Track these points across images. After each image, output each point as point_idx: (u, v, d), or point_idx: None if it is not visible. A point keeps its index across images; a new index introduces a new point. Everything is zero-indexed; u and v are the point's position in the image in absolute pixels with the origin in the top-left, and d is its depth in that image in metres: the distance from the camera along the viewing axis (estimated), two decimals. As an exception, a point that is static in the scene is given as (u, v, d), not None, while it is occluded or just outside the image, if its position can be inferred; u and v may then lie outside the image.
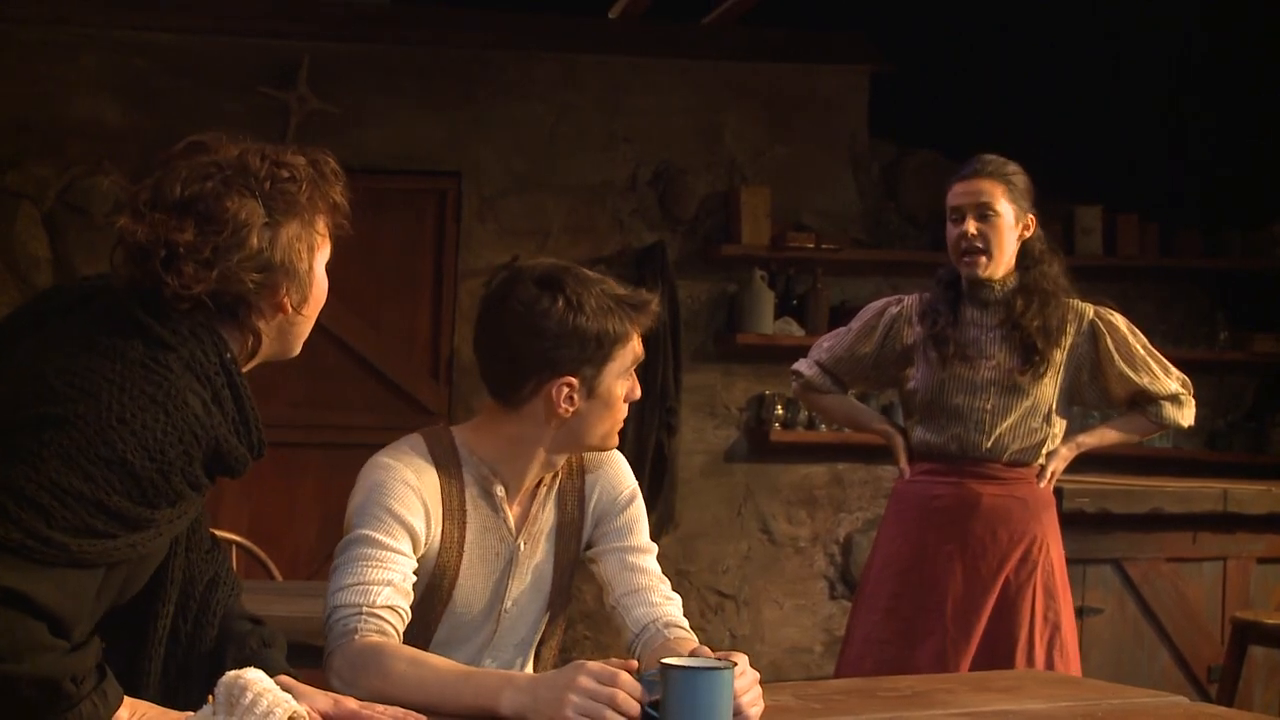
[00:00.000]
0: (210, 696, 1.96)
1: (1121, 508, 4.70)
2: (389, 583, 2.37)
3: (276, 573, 4.48)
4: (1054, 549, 3.89)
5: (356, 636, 2.32)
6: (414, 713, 2.11)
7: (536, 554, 2.60)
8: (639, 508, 2.67)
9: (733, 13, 6.48)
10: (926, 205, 6.66)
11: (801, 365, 4.14)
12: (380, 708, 2.10)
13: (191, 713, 1.98)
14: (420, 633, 2.52)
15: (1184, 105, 6.79)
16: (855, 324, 4.05)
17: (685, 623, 2.60)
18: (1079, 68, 6.68)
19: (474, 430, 2.56)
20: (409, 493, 2.45)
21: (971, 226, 3.79)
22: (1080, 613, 4.66)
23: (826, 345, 4.10)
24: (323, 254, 2.16)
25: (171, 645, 2.18)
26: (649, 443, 6.34)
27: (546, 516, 2.60)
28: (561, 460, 2.59)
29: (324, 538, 6.33)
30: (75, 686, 1.90)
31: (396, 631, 2.36)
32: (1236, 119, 6.76)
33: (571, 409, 2.49)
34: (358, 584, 2.37)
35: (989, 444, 3.84)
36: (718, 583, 6.67)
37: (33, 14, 6.02)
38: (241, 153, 2.09)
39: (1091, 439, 3.99)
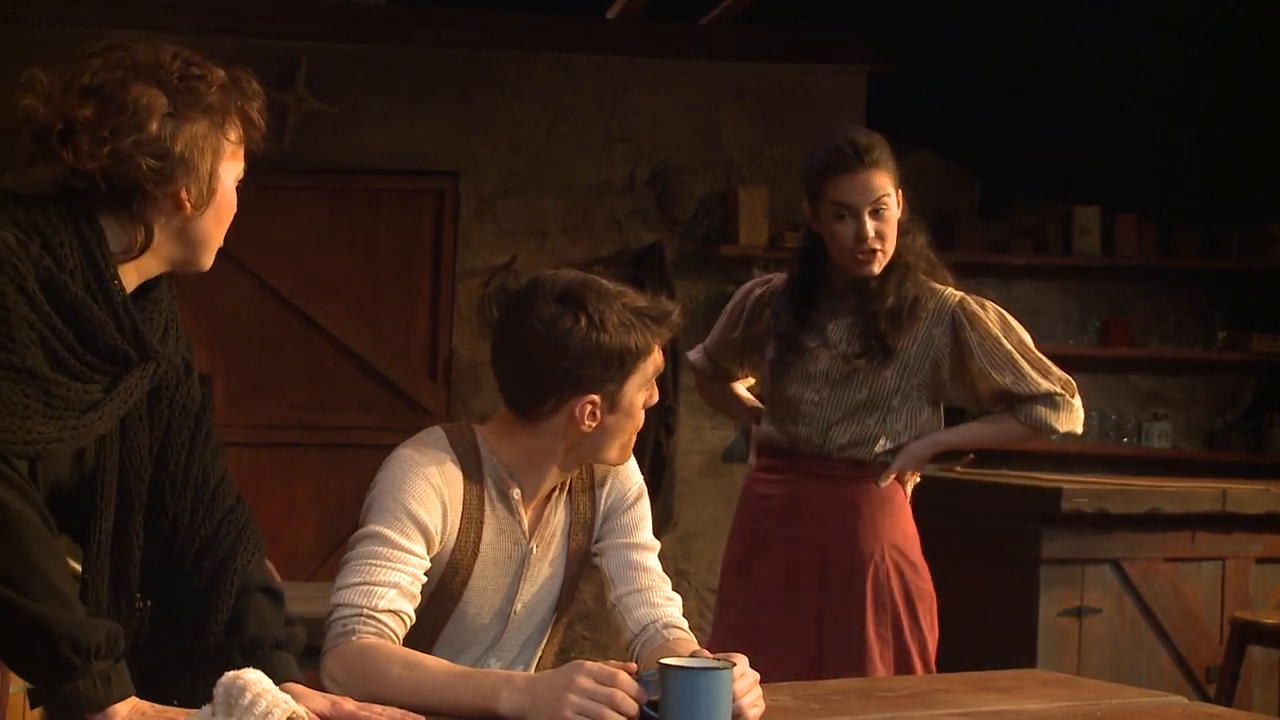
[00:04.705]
0: (201, 679, 1.97)
1: (1120, 507, 4.70)
2: (395, 585, 2.36)
3: (274, 574, 4.47)
4: (892, 557, 3.53)
5: (353, 639, 2.31)
6: (411, 713, 2.11)
7: (548, 556, 2.59)
8: (645, 505, 2.66)
9: (730, 13, 6.48)
10: (925, 204, 6.64)
11: (692, 352, 3.94)
12: (378, 709, 2.10)
13: (192, 709, 1.98)
14: (427, 631, 2.51)
15: (1182, 105, 6.80)
16: (728, 306, 3.84)
17: (685, 624, 2.59)
18: (1077, 68, 6.68)
19: (494, 433, 2.54)
20: (429, 490, 2.43)
21: (870, 227, 3.46)
22: (1079, 612, 4.66)
23: (713, 329, 3.88)
24: (232, 165, 2.14)
25: (172, 582, 2.18)
26: (647, 442, 6.34)
27: (558, 519, 2.60)
28: (577, 469, 2.59)
29: (322, 538, 6.33)
30: (77, 657, 1.91)
31: (396, 637, 2.35)
32: (1235, 119, 6.76)
33: (594, 424, 2.47)
34: (363, 584, 2.35)
35: (819, 439, 3.54)
36: (716, 583, 6.66)
37: (27, 15, 6.02)
38: (158, 52, 2.11)
39: (954, 437, 3.67)
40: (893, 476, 3.54)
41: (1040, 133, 6.71)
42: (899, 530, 3.57)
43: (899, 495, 3.59)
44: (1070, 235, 6.82)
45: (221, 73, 2.12)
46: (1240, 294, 7.01)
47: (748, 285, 3.81)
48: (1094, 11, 6.60)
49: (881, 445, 3.53)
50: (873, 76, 6.73)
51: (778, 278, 3.73)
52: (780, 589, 3.57)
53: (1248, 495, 4.86)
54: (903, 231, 3.53)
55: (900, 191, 3.53)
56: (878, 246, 3.47)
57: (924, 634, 3.56)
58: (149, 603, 2.19)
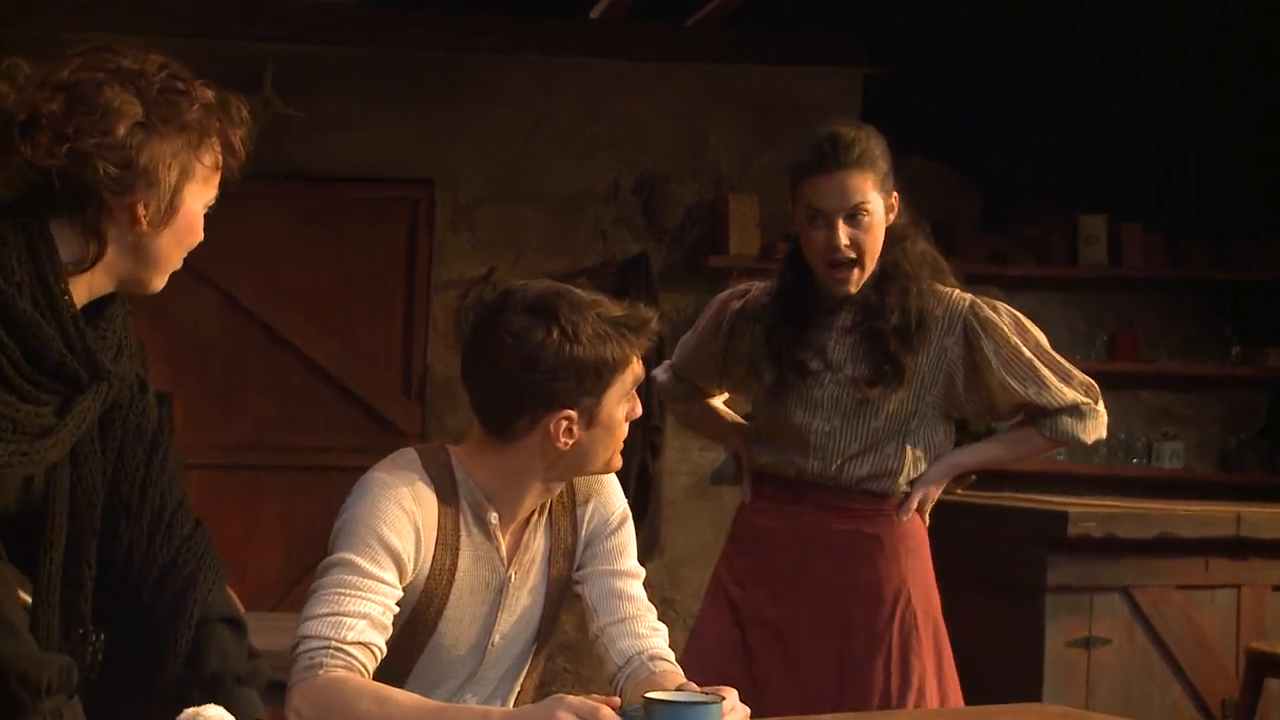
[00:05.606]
0: None
1: (1129, 532, 4.69)
2: (365, 615, 2.35)
3: (237, 603, 4.45)
4: (917, 595, 3.38)
5: (321, 672, 2.30)
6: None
7: (527, 584, 2.58)
8: (629, 530, 2.65)
9: (719, 13, 6.49)
10: (923, 215, 6.65)
11: (658, 371, 3.70)
12: (346, 746, 2.09)
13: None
14: (399, 664, 2.49)
15: (1192, 110, 6.81)
16: (701, 320, 3.61)
17: (671, 655, 2.59)
18: (1082, 71, 6.69)
19: (468, 454, 2.53)
20: (401, 516, 2.42)
21: (844, 235, 3.26)
22: (1087, 643, 4.65)
23: (680, 346, 3.66)
24: (202, 189, 2.13)
25: (129, 617, 2.17)
26: (632, 464, 6.33)
27: (538, 544, 2.59)
28: (559, 488, 2.58)
29: (288, 566, 6.31)
30: (28, 693, 1.89)
31: (365, 670, 2.34)
32: (1246, 125, 6.77)
33: (571, 441, 2.46)
34: (331, 615, 2.34)
35: (831, 471, 3.35)
36: (705, 612, 6.65)
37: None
38: (145, 60, 2.09)
39: (972, 458, 3.49)
40: (914, 507, 3.38)
41: (1043, 138, 6.72)
42: (922, 568, 3.41)
43: (920, 528, 3.43)
44: (1075, 245, 6.84)
45: (209, 93, 2.12)
46: (1254, 306, 7.02)
47: (723, 297, 3.60)
48: (1098, 12, 6.61)
49: (906, 474, 3.37)
50: (868, 80, 6.74)
51: (756, 287, 3.56)
52: (789, 636, 3.38)
53: (1264, 519, 4.85)
54: (900, 238, 3.36)
55: (895, 196, 3.35)
56: (851, 256, 3.28)
57: (948, 691, 3.38)
58: (103, 635, 2.18)
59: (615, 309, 2.48)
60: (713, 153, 6.70)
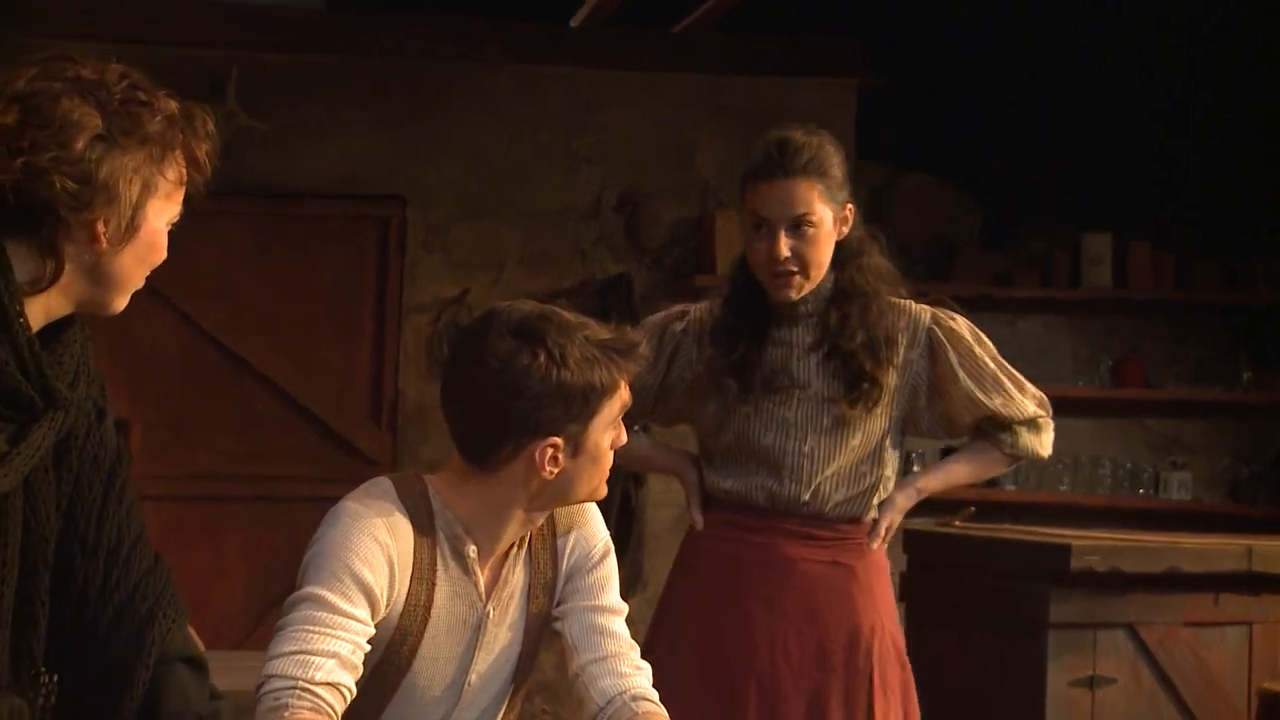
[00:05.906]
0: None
1: (1135, 566, 4.70)
2: (334, 654, 2.35)
3: (198, 641, 4.45)
4: (889, 629, 3.42)
5: (286, 714, 2.30)
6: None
7: (505, 621, 2.59)
8: (612, 564, 2.66)
9: (707, 20, 6.52)
10: (922, 231, 6.69)
11: None
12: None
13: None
14: (370, 706, 2.50)
15: (1194, 113, 6.84)
16: None
17: (655, 695, 2.59)
18: (1088, 82, 6.73)
19: (446, 484, 2.54)
20: (375, 548, 2.43)
21: (784, 247, 3.27)
22: (1091, 682, 4.66)
23: None
24: (165, 205, 2.13)
25: (78, 652, 2.16)
26: (614, 494, 6.33)
27: (517, 578, 2.60)
28: (542, 519, 2.59)
29: (251, 601, 6.30)
30: None
31: (334, 712, 2.34)
32: (1259, 140, 6.81)
33: (556, 470, 2.48)
34: (298, 653, 2.35)
35: (806, 496, 3.36)
36: (691, 651, 6.66)
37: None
38: (105, 70, 2.09)
39: (934, 482, 3.54)
40: (883, 534, 3.43)
41: (1044, 142, 6.74)
42: (889, 600, 3.47)
43: (884, 558, 3.48)
44: (1079, 265, 6.85)
45: (173, 104, 2.12)
46: (1266, 330, 7.04)
47: (659, 320, 3.56)
48: (1098, 13, 6.65)
49: (878, 495, 3.41)
50: (863, 90, 6.77)
51: (697, 308, 3.53)
52: (762, 670, 3.38)
53: (1277, 552, 4.86)
54: (856, 252, 3.40)
55: (850, 207, 3.38)
56: (793, 269, 3.30)
57: (907, 714, 3.42)
58: (56, 676, 2.18)
59: (603, 332, 2.50)
60: (699, 167, 6.72)
